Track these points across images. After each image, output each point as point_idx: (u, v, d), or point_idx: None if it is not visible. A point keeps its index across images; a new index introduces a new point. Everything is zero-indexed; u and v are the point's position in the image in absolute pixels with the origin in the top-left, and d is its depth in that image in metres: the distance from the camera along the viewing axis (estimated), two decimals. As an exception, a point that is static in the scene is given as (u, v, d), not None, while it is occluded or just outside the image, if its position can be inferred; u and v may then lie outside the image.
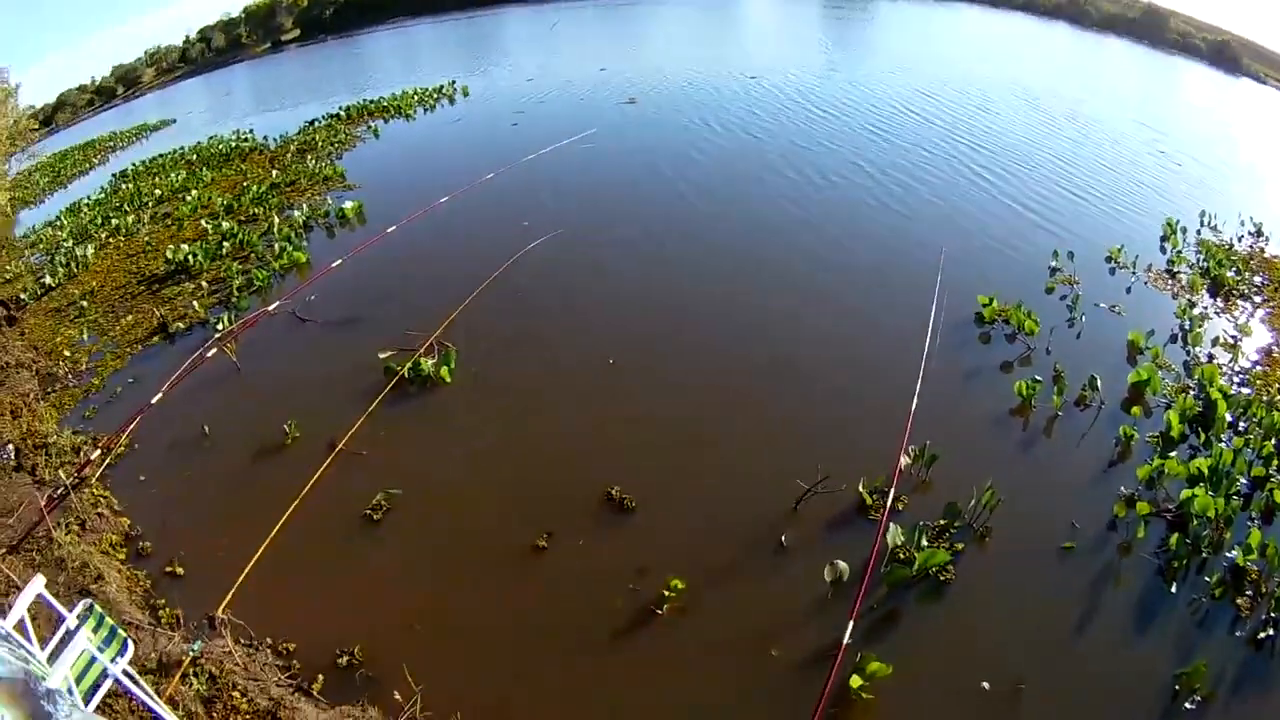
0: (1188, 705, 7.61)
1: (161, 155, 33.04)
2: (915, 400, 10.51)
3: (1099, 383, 12.12)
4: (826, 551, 8.92)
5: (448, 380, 12.19)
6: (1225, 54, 60.04)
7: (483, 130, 29.08)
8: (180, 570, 8.89)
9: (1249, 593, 8.90)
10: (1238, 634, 8.44)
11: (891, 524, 9.10)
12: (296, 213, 19.85)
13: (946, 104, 30.68)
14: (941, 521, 9.46)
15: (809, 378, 12.55)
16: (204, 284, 16.27)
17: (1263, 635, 8.37)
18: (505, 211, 18.87)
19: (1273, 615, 8.55)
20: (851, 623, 7.50)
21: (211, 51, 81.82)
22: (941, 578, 8.85)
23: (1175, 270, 17.18)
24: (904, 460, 10.12)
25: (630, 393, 12.17)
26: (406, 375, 12.03)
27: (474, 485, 10.33)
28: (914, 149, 24.71)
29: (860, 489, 9.83)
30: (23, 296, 17.58)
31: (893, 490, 9.22)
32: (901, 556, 8.97)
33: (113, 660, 6.05)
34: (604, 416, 11.65)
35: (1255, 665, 8.13)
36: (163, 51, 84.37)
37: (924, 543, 9.02)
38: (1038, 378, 12.05)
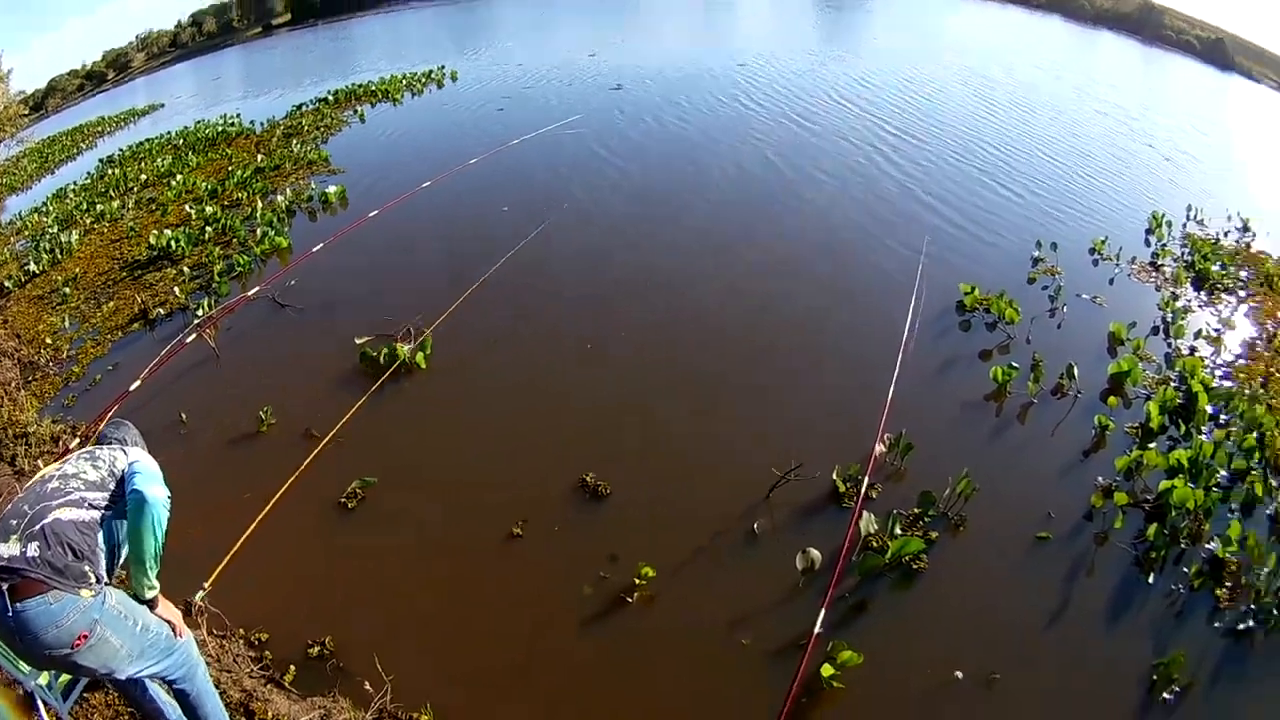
0: (1166, 696, 7.60)
1: (148, 140, 32.88)
2: (892, 388, 10.49)
3: (1076, 371, 12.12)
4: (799, 539, 8.88)
5: (424, 367, 12.15)
6: (1218, 51, 60.31)
7: (469, 115, 29.01)
8: None
9: (1228, 584, 8.89)
10: (1216, 625, 8.43)
11: (865, 512, 9.08)
12: (280, 197, 19.82)
13: (940, 97, 30.86)
14: (916, 510, 9.44)
15: (786, 365, 12.57)
16: (186, 269, 16.19)
17: (1242, 626, 8.36)
18: (486, 197, 18.90)
19: (1253, 606, 8.55)
20: (823, 611, 7.48)
21: (203, 36, 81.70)
22: (915, 566, 8.82)
23: (1160, 263, 17.20)
24: (879, 448, 10.10)
25: (608, 379, 12.17)
26: (383, 361, 11.99)
27: (449, 473, 10.31)
28: (902, 137, 24.86)
29: (834, 477, 9.81)
30: (6, 284, 17.47)
31: (866, 478, 9.19)
32: (875, 545, 8.96)
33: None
34: (580, 403, 11.64)
35: (1234, 655, 8.12)
36: (154, 36, 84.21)
37: (898, 531, 9.01)
38: (1015, 365, 12.06)
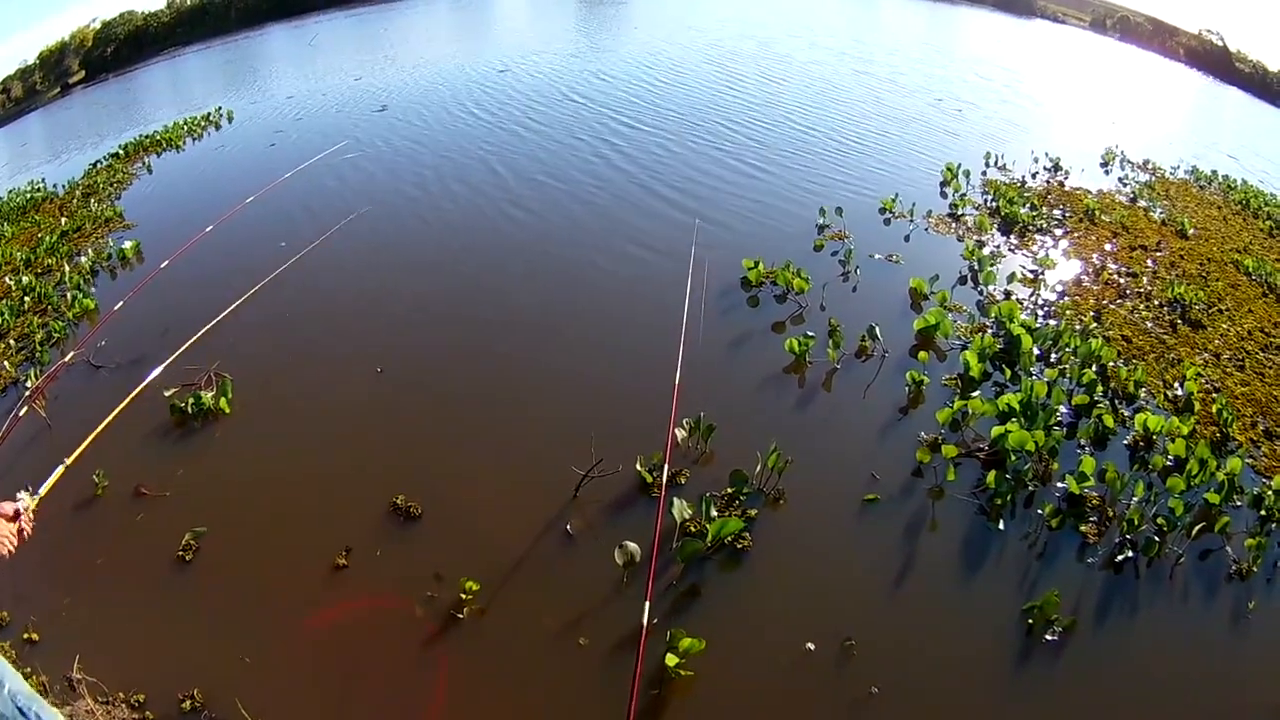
0: (1049, 637, 7.79)
1: (-36, 215, 32.24)
2: (679, 372, 10.40)
3: (879, 332, 12.31)
4: (614, 534, 8.90)
5: (227, 411, 11.97)
6: (1015, -2, 61.27)
7: (244, 154, 28.91)
8: (35, 636, 8.58)
9: (1093, 519, 9.16)
10: (1089, 561, 8.72)
11: (675, 499, 9.08)
12: (83, 258, 19.25)
13: (705, 76, 31.99)
14: (729, 490, 9.48)
15: (572, 368, 12.63)
16: (11, 342, 15.83)
17: (1120, 558, 8.63)
18: (264, 233, 18.73)
19: (1128, 537, 8.80)
20: (648, 603, 7.34)
21: (11, 102, 79.98)
22: (739, 545, 8.87)
23: (960, 213, 17.71)
24: (679, 433, 10.11)
25: (402, 400, 12.13)
26: (189, 410, 11.84)
27: (270, 512, 10.14)
28: (672, 120, 25.66)
29: (638, 468, 9.85)
30: None
31: (666, 464, 9.11)
32: (692, 530, 8.99)
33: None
34: (380, 426, 11.59)
35: (1117, 587, 8.41)
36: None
37: (714, 513, 9.02)
38: (811, 333, 12.21)
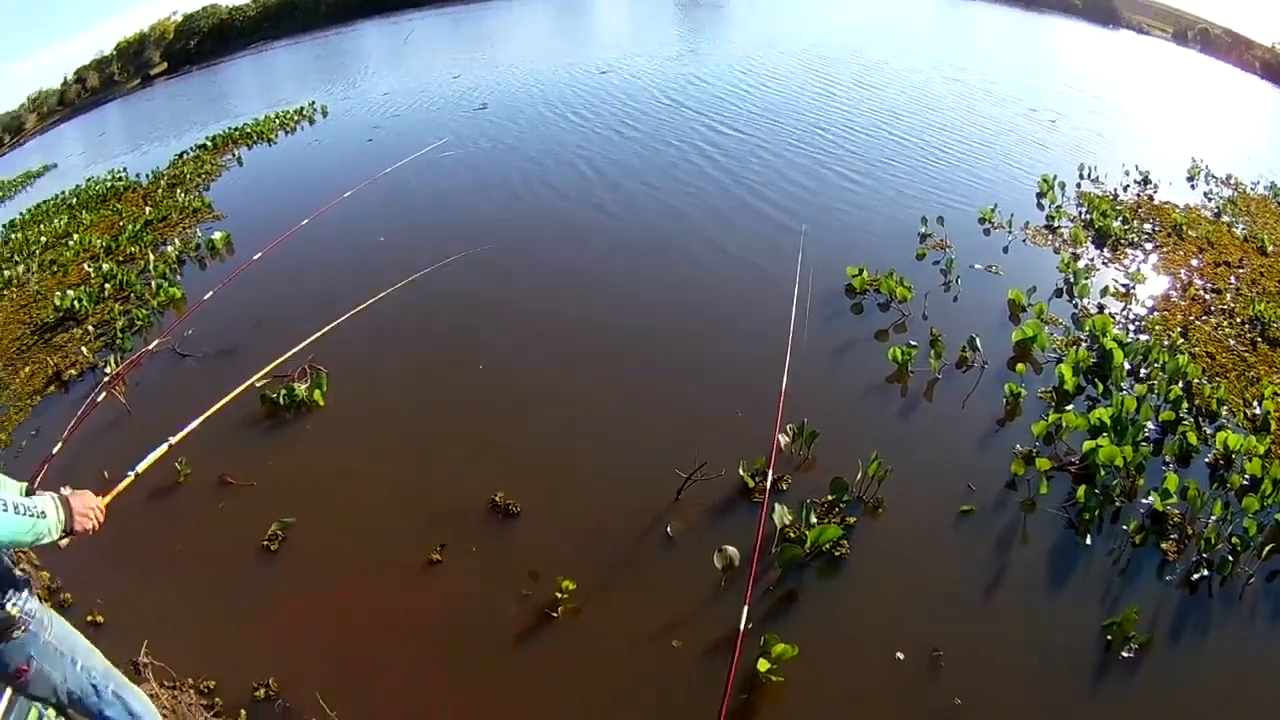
0: (1124, 654, 7.61)
1: (45, 201, 32.36)
2: (785, 378, 10.23)
3: (979, 343, 12.16)
4: (714, 538, 8.82)
5: (321, 404, 12.03)
6: (1103, 7, 60.86)
7: (340, 148, 29.05)
8: (100, 619, 8.63)
9: (1173, 536, 8.94)
10: (1168, 578, 8.49)
11: (776, 504, 8.99)
12: (170, 248, 19.57)
13: (801, 81, 31.80)
14: (830, 497, 9.38)
15: (678, 370, 12.57)
16: (90, 328, 15.94)
17: (1196, 576, 8.42)
18: (362, 227, 18.93)
19: (1203, 555, 8.60)
20: (746, 607, 7.25)
21: (87, 92, 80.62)
22: (836, 553, 8.78)
23: (1056, 225, 17.40)
24: (783, 439, 10.03)
25: (503, 398, 12.12)
26: (282, 402, 11.86)
27: (362, 505, 10.17)
28: (768, 126, 25.44)
29: (740, 472, 9.77)
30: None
31: (770, 470, 9.00)
32: (792, 536, 8.90)
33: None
34: (480, 424, 11.58)
35: (1192, 606, 8.19)
36: (43, 95, 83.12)
37: (813, 520, 8.93)
38: (913, 343, 12.10)
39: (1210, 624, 8.03)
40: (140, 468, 5.94)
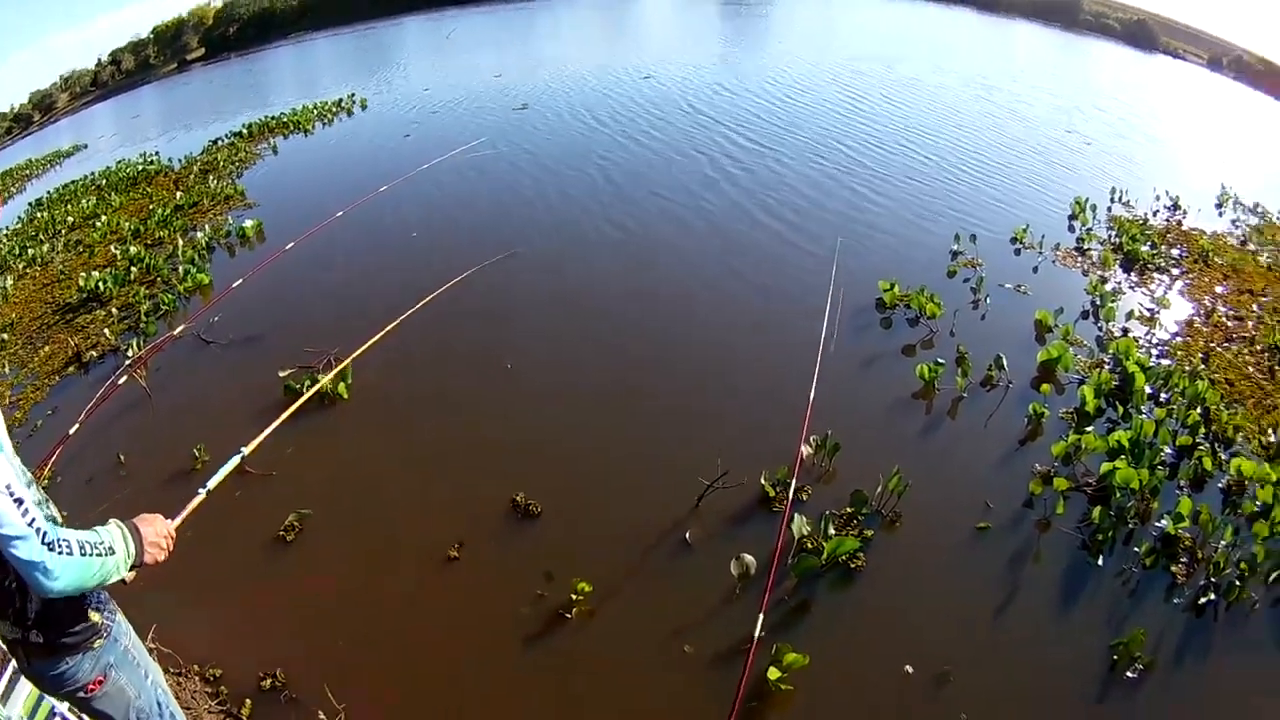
0: (1129, 674, 7.59)
1: (73, 181, 32.52)
2: (814, 389, 10.40)
3: (1005, 362, 12.13)
4: (732, 546, 8.83)
5: (345, 397, 12.09)
6: (1141, 32, 60.88)
7: (378, 142, 29.10)
8: None
9: (1184, 560, 8.92)
10: (1175, 601, 8.46)
11: (796, 514, 8.98)
12: (199, 234, 19.67)
13: (845, 96, 31.60)
14: (849, 509, 9.39)
15: (706, 375, 12.58)
16: (114, 310, 16.04)
17: (1203, 600, 8.40)
18: (396, 224, 18.98)
19: (1212, 580, 8.59)
20: (761, 615, 7.40)
21: (121, 74, 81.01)
22: (852, 565, 8.78)
23: (1085, 247, 17.32)
24: (805, 450, 10.03)
25: (528, 398, 12.14)
26: (304, 393, 11.93)
27: (382, 500, 10.22)
28: (811, 140, 25.37)
29: (762, 481, 9.78)
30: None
31: (794, 481, 9.12)
32: (809, 546, 8.89)
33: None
34: (504, 424, 11.58)
35: (1197, 630, 8.15)
36: (76, 75, 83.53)
37: (831, 531, 8.93)
38: (940, 360, 12.05)
39: (1213, 647, 8.01)
40: (212, 484, 5.56)
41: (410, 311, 10.96)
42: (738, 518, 9.53)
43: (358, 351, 9.26)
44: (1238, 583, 8.51)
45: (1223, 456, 10.65)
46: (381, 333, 9.72)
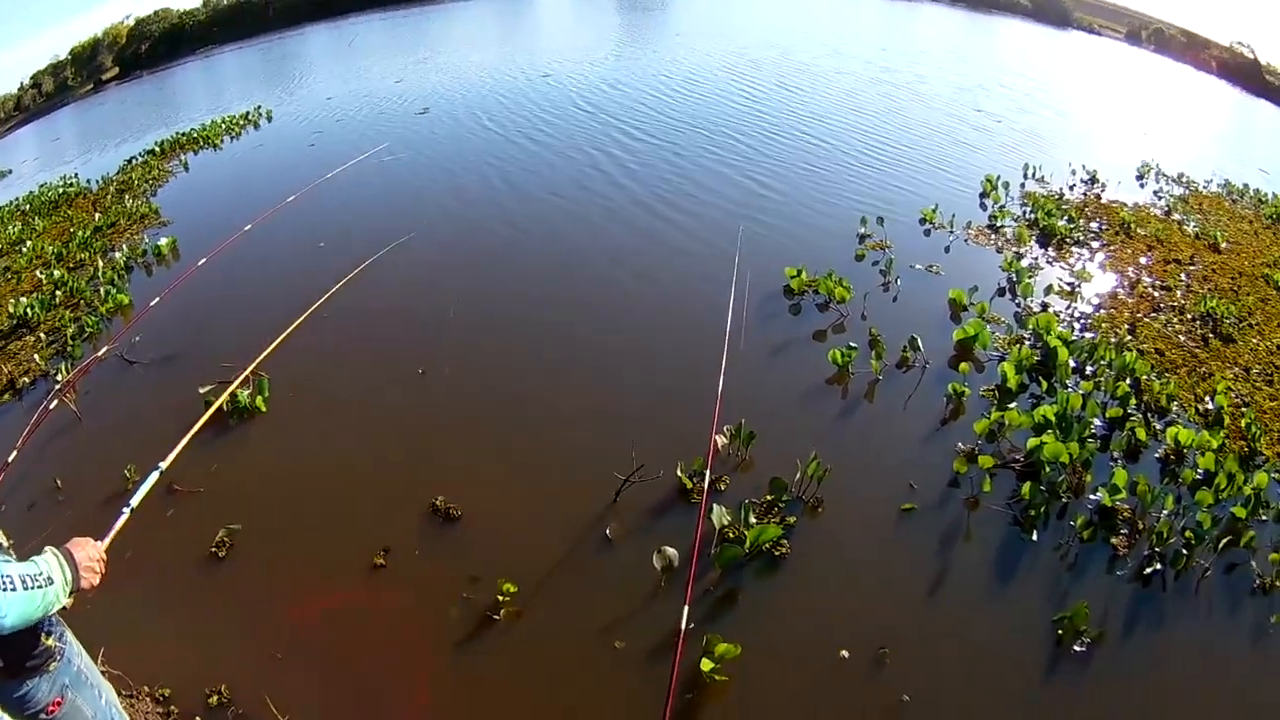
0: (1076, 648, 7.73)
1: (0, 208, 32.38)
2: (722, 379, 10.33)
3: (920, 343, 12.27)
4: (653, 539, 8.86)
5: (264, 410, 12.05)
6: (1050, 7, 61.23)
7: (284, 153, 29.16)
8: None
9: (1124, 531, 9.10)
10: (1119, 573, 8.63)
11: (715, 505, 9.05)
12: (118, 254, 19.46)
13: (740, 85, 32.30)
14: (769, 497, 9.43)
15: (617, 371, 12.71)
16: (42, 335, 15.86)
17: (1149, 570, 8.58)
18: (304, 234, 18.94)
19: (1156, 550, 8.75)
20: (686, 607, 7.29)
21: (42, 97, 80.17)
22: (777, 553, 8.85)
23: (999, 225, 17.63)
24: (720, 440, 10.12)
25: (442, 402, 12.17)
26: (225, 408, 11.83)
27: (306, 511, 10.20)
28: (706, 131, 25.65)
29: (679, 474, 9.84)
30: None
31: (708, 471, 9.09)
32: (731, 536, 8.96)
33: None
34: (420, 428, 11.60)
35: (1145, 600, 8.34)
36: (1, 101, 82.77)
37: (752, 520, 8.99)
38: (853, 344, 12.15)
39: (1165, 617, 8.17)
40: (134, 501, 5.65)
41: (310, 310, 10.97)
42: (657, 511, 9.58)
43: (262, 355, 9.31)
44: (1184, 551, 8.69)
45: (1157, 426, 10.88)
46: (283, 335, 9.75)
